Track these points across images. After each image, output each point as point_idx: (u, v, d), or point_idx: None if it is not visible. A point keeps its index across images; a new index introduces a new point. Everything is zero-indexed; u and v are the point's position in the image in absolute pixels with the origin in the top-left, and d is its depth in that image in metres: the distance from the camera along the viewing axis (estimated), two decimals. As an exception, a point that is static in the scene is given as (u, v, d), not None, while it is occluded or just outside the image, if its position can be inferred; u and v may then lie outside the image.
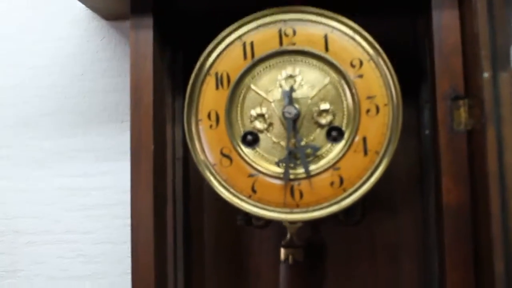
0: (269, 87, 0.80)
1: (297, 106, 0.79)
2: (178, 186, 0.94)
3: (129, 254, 0.83)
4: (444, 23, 0.76)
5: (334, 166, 0.78)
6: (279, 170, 0.79)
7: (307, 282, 0.91)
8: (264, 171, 0.79)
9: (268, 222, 0.91)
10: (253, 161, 0.80)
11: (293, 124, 0.78)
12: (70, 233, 1.09)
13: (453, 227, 0.74)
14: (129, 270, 0.82)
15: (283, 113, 0.79)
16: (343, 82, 0.78)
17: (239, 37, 0.81)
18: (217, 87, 0.80)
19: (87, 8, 1.05)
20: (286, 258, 0.87)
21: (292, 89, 0.79)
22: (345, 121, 0.79)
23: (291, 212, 0.78)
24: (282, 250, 0.87)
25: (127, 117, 0.88)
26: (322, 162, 0.78)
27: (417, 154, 0.92)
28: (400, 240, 0.93)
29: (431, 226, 0.87)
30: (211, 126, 0.81)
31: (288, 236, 0.87)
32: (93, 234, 1.08)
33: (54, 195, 1.10)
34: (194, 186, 0.98)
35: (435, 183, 0.81)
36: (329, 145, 0.79)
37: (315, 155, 0.78)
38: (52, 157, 1.11)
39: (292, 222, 0.85)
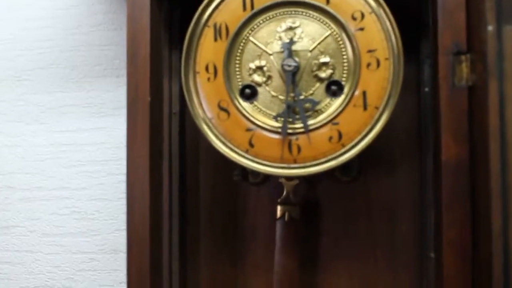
0: (268, 40, 0.79)
1: (296, 59, 0.77)
2: (174, 141, 0.93)
3: (124, 211, 0.83)
4: (449, -24, 0.75)
5: (333, 121, 0.77)
6: (277, 124, 0.78)
7: (303, 239, 0.90)
8: (262, 125, 0.78)
9: (265, 179, 0.91)
10: (251, 115, 0.79)
11: (292, 77, 0.77)
12: (64, 189, 1.09)
13: (451, 185, 0.74)
14: (123, 227, 0.82)
15: (282, 66, 0.77)
16: (343, 35, 0.77)
17: (239, -13, 0.79)
18: (215, 39, 0.79)
19: (82, -40, 1.03)
20: (283, 215, 0.87)
21: (291, 42, 0.77)
22: (345, 75, 0.77)
23: (289, 167, 0.77)
24: (279, 207, 0.87)
25: (123, 72, 0.87)
26: (321, 117, 0.77)
27: (416, 112, 0.91)
28: (396, 198, 0.92)
29: (428, 184, 0.86)
30: (208, 79, 0.80)
31: (285, 193, 0.86)
32: (87, 190, 1.08)
33: (48, 151, 1.09)
34: (191, 142, 0.97)
35: (434, 140, 0.80)
36: (328, 99, 0.78)
37: (314, 109, 0.77)
38: (45, 112, 1.10)
39: (289, 179, 0.84)
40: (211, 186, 0.97)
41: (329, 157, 0.77)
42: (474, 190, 0.73)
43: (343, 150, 0.76)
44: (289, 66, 0.77)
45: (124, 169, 0.83)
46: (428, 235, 0.87)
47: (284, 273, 0.86)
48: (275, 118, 0.78)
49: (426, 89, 0.87)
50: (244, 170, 0.85)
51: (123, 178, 0.83)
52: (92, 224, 1.07)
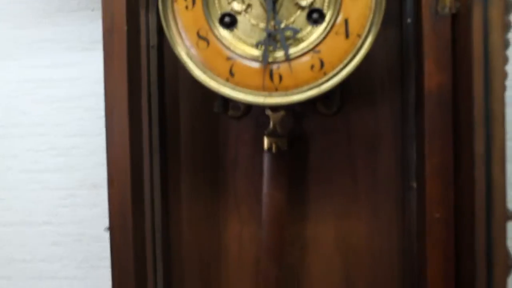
0: (248, -36, 0.76)
1: (277, -14, 0.75)
2: (153, 74, 0.91)
3: (104, 146, 0.81)
4: None
5: (314, 49, 0.75)
6: (257, 53, 0.76)
7: (290, 171, 0.90)
8: (243, 54, 0.77)
9: (246, 112, 0.90)
10: (231, 44, 0.77)
11: (272, 5, 0.75)
12: (41, 126, 1.06)
13: (434, 112, 0.73)
14: (103, 162, 0.80)
15: (262, -7, 0.75)
16: (325, -40, 0.75)
17: None
18: (193, -35, 0.76)
19: None
20: (270, 147, 0.86)
21: (272, -32, 0.75)
22: (326, 2, 0.76)
23: (270, 96, 0.76)
24: (266, 139, 0.86)
25: (98, 5, 0.83)
26: (302, 45, 0.76)
27: (398, 44, 0.90)
28: (378, 130, 0.92)
29: (410, 116, 0.86)
30: (187, 7, 0.78)
31: (271, 125, 0.85)
32: (64, 126, 1.06)
33: (23, 87, 1.07)
34: (170, 76, 0.95)
35: (416, 70, 0.79)
36: (309, 27, 0.76)
37: (295, 37, 0.76)
38: (19, 47, 1.07)
39: (275, 110, 0.83)
40: (191, 120, 0.96)
41: (311, 85, 0.76)
42: (457, 118, 0.73)
43: (325, 78, 0.75)
44: (270, -7, 0.75)
45: (102, 104, 0.81)
46: (409, 165, 0.87)
47: (272, 205, 0.86)
48: (256, 45, 0.76)
49: (409, 20, 0.85)
50: (225, 102, 0.84)
51: (102, 113, 0.81)
52: (71, 160, 1.06)
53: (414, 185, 0.85)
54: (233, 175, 0.96)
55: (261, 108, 0.85)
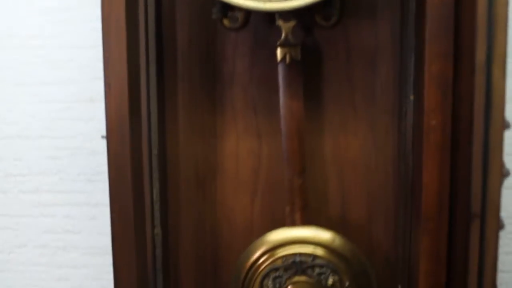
0: None
1: None
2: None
3: (100, 59, 0.79)
4: None
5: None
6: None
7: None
8: (243, -43, 0.75)
9: (244, 24, 0.89)
10: None
11: None
12: (36, 37, 1.05)
13: (435, 17, 0.73)
14: (99, 75, 0.79)
15: None
16: None
17: None
18: None
19: None
20: (283, 58, 0.85)
21: None
22: None
23: (270, 1, 0.75)
24: (279, 50, 0.86)
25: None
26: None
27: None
28: (377, 42, 0.92)
29: (410, 27, 0.85)
30: None
31: (283, 35, 0.84)
32: (59, 38, 1.04)
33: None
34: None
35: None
36: None
37: None
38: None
39: (284, 18, 0.83)
40: (188, 31, 0.95)
41: (312, -10, 0.74)
42: (458, 23, 0.72)
43: (326, -17, 0.74)
44: None
45: (99, 15, 0.79)
46: (407, 78, 0.87)
47: (291, 116, 0.86)
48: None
49: None
50: (223, 9, 0.82)
51: (98, 25, 0.79)
52: (67, 73, 1.05)
53: (412, 98, 0.85)
54: (230, 88, 0.95)
55: (259, 18, 0.84)
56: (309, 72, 0.92)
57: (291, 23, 0.83)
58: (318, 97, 0.93)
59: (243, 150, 0.96)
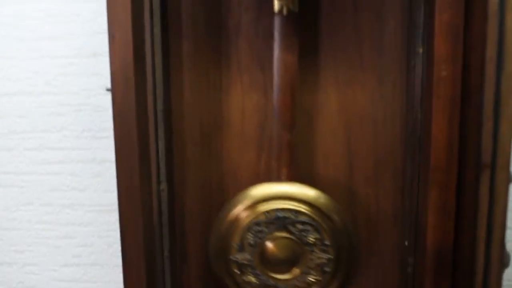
0: None
1: None
2: None
3: (104, 13, 0.78)
4: None
5: None
6: None
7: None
8: None
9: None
10: None
11: None
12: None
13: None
14: (103, 29, 0.78)
15: None
16: None
17: None
18: None
19: None
20: (281, 9, 0.83)
21: None
22: None
23: None
24: (276, 1, 0.84)
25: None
26: None
27: None
28: (384, -4, 0.89)
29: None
30: None
31: (281, -15, 0.83)
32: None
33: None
34: None
35: None
36: None
37: None
38: None
39: None
40: (193, -17, 0.93)
41: None
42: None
43: None
44: None
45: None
46: (416, 31, 0.85)
47: (284, 69, 0.85)
48: None
49: None
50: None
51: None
52: (70, 28, 1.03)
53: (421, 50, 0.84)
54: (236, 41, 0.94)
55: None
56: (315, 23, 0.91)
57: None
58: (325, 50, 0.91)
59: (249, 105, 0.95)
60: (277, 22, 0.83)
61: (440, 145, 0.75)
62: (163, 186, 0.92)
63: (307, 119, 0.94)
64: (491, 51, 0.69)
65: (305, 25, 0.90)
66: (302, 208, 0.86)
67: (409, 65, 0.88)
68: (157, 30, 0.89)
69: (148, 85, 0.86)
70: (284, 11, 0.82)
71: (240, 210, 0.88)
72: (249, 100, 0.94)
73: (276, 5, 0.83)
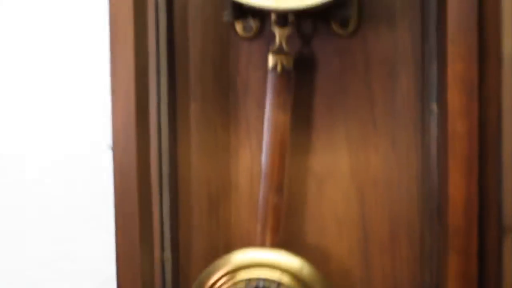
0: None
1: None
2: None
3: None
4: None
5: None
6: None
7: (297, 96, 0.85)
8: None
9: (258, 32, 0.86)
10: None
11: None
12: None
13: (457, 13, 0.68)
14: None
15: None
16: None
17: None
18: None
19: None
20: (275, 66, 0.81)
21: None
22: None
23: (281, -1, 0.71)
24: (270, 57, 0.82)
25: None
26: None
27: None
28: (396, 51, 0.87)
29: (431, 30, 0.80)
30: None
31: (277, 41, 0.81)
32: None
33: None
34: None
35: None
36: None
37: None
38: None
39: (280, 24, 0.79)
40: (201, 41, 0.91)
41: (326, -12, 0.70)
42: (482, 17, 0.67)
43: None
44: None
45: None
46: (430, 87, 0.82)
47: (275, 127, 0.81)
48: None
49: None
50: (234, 7, 0.79)
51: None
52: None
53: (435, 107, 0.80)
54: (244, 101, 0.91)
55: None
56: (322, 81, 0.89)
57: (287, 30, 0.80)
58: (333, 109, 0.88)
59: (258, 168, 0.90)
60: (270, 78, 0.81)
61: (458, 207, 0.70)
62: (167, 254, 0.87)
63: (317, 183, 0.89)
64: (507, 104, 0.64)
65: (309, 84, 0.88)
66: (284, 278, 0.79)
67: (423, 124, 0.84)
68: (164, 89, 0.87)
69: (152, 147, 0.84)
70: (278, 68, 0.80)
71: (218, 277, 0.82)
72: (257, 163, 0.90)
73: (271, 61, 0.81)
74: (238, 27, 0.89)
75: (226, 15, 0.79)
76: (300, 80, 0.87)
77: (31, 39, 1.06)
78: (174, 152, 0.89)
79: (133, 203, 0.78)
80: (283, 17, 0.80)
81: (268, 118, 0.82)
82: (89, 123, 1.04)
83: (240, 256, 0.83)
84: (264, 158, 0.83)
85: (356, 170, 0.89)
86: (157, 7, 0.85)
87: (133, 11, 0.75)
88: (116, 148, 0.77)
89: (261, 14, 0.81)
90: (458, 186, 0.70)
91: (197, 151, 0.92)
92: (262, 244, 0.83)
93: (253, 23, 0.87)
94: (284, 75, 0.81)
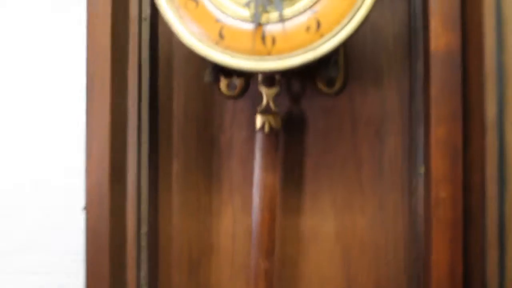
0: None
1: None
2: (144, 51, 0.85)
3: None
4: None
5: (311, 8, 0.69)
6: (248, 13, 0.70)
7: (284, 156, 0.83)
8: (233, 15, 0.71)
9: (243, 91, 0.84)
10: (221, 4, 0.71)
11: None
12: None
13: (440, 76, 0.67)
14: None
15: None
16: None
17: None
18: None
19: None
20: (262, 126, 0.79)
21: None
22: (326, -44, 0.69)
23: (262, 60, 0.69)
24: (258, 117, 0.80)
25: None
26: (299, 5, 0.69)
27: (406, 16, 0.83)
28: (384, 111, 0.85)
29: (418, 92, 0.79)
30: (175, -35, 0.72)
31: (265, 101, 0.79)
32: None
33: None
34: (163, 52, 0.89)
35: (424, 33, 0.72)
36: (308, -16, 0.70)
37: (290, -5, 0.70)
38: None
39: (268, 84, 0.78)
40: (184, 101, 0.90)
41: (307, 48, 0.69)
42: (466, 82, 0.66)
43: (321, 41, 0.69)
44: None
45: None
46: (417, 149, 0.79)
47: (264, 189, 0.78)
48: (246, 4, 0.70)
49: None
50: (215, 68, 0.77)
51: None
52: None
53: (423, 170, 0.77)
54: (228, 160, 0.89)
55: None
56: (309, 140, 0.87)
57: (274, 90, 0.79)
58: (319, 169, 0.86)
59: (240, 230, 0.88)
60: (258, 139, 0.78)
61: (441, 274, 0.67)
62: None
63: (302, 245, 0.86)
64: (491, 169, 0.62)
65: (296, 143, 0.86)
66: None
67: (411, 186, 0.81)
68: (145, 147, 0.84)
69: (129, 206, 0.81)
70: (266, 128, 0.78)
71: None
72: (240, 224, 0.87)
73: (258, 121, 0.78)
74: (223, 85, 0.87)
75: (207, 75, 0.77)
76: (288, 139, 0.85)
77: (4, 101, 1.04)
78: (155, 213, 0.86)
79: (105, 264, 0.75)
80: (270, 77, 0.78)
81: (256, 179, 0.79)
82: (65, 183, 1.01)
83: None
84: (254, 221, 0.80)
85: (342, 232, 0.86)
86: (140, 64, 0.84)
87: (110, 69, 0.73)
88: (89, 209, 0.74)
89: (246, 73, 0.80)
90: (442, 253, 0.67)
91: (179, 211, 0.89)
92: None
93: (237, 82, 0.85)
94: (272, 135, 0.79)
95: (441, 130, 0.66)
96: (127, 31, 0.81)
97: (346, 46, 0.85)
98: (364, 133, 0.85)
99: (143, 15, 0.85)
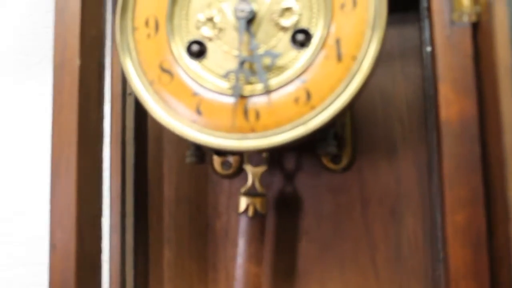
0: (218, -16, 0.63)
1: (252, 4, 0.61)
2: (129, 129, 0.77)
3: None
4: None
5: (300, 77, 0.60)
6: (228, 85, 0.61)
7: (279, 243, 0.73)
8: (212, 87, 0.62)
9: (239, 169, 0.75)
10: (198, 77, 0.62)
11: (246, 25, 0.61)
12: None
13: (454, 151, 0.56)
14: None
15: (235, 12, 0.61)
16: (310, -32, 0.61)
17: None
18: (155, -13, 0.64)
19: None
20: (246, 209, 0.70)
21: (244, -18, 0.61)
22: (314, 21, 0.61)
23: (245, 138, 0.60)
24: (242, 199, 0.71)
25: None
26: (286, 74, 0.60)
27: (420, 82, 0.73)
28: (399, 189, 0.74)
29: (435, 169, 0.67)
30: (149, 35, 0.64)
31: (250, 182, 0.70)
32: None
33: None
34: (153, 131, 0.81)
35: (433, 100, 0.62)
36: (294, 52, 0.61)
37: (276, 65, 0.61)
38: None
39: (256, 165, 0.70)
40: (176, 182, 0.81)
41: (296, 122, 0.59)
42: (485, 157, 0.55)
43: (313, 113, 0.59)
44: (242, 11, 0.61)
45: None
46: (438, 231, 0.68)
47: (246, 281, 0.68)
48: (225, 76, 0.61)
49: (429, 49, 0.69)
50: (198, 149, 0.68)
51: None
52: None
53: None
54: (224, 246, 0.80)
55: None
56: (308, 225, 0.76)
57: (261, 169, 0.70)
58: (325, 259, 0.75)
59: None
60: (241, 224, 0.69)
61: None
62: None
63: None
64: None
65: (295, 226, 0.76)
66: None
67: (434, 275, 0.70)
68: (130, 236, 0.75)
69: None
70: (250, 212, 0.68)
71: None
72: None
73: (241, 204, 0.69)
74: (216, 164, 0.78)
75: (189, 157, 0.68)
76: (284, 222, 0.75)
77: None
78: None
79: None
80: (257, 155, 0.69)
81: (238, 268, 0.69)
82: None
83: None
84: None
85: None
86: (123, 141, 0.76)
87: (77, 151, 0.64)
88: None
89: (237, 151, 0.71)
90: None
91: (171, 306, 0.79)
92: None
93: (232, 160, 0.76)
94: (256, 220, 0.69)
95: (459, 217, 0.55)
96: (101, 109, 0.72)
97: (353, 116, 0.75)
98: (377, 213, 0.74)
99: (128, 90, 0.77)
